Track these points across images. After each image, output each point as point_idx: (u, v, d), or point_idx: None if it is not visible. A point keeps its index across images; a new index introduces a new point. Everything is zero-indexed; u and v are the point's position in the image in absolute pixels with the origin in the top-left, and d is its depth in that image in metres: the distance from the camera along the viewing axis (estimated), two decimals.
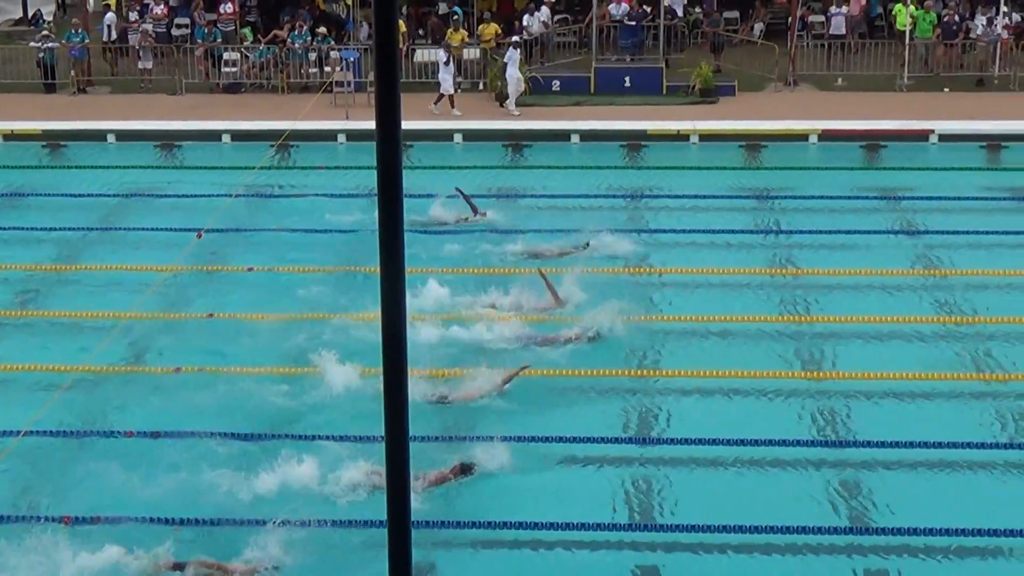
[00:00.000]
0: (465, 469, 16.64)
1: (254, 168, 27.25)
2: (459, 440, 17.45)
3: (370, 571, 13.03)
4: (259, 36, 37.95)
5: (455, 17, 37.49)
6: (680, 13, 39.10)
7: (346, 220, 25.99)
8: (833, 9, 38.62)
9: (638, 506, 16.20)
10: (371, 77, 31.88)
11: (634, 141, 31.99)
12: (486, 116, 33.72)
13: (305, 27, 37.16)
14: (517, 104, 34.19)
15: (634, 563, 15.10)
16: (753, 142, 31.90)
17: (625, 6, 38.51)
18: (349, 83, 34.58)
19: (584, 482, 16.78)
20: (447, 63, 34.10)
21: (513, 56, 34.31)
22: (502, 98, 34.43)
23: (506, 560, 15.24)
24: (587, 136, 32.25)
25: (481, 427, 17.90)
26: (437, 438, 17.48)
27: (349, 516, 15.57)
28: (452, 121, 32.76)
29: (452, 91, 34.06)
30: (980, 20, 37.96)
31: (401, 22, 33.72)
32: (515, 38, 35.68)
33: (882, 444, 17.33)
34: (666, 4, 37.86)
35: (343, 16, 38.97)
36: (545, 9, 38.44)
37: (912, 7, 37.03)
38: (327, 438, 17.43)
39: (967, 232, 25.31)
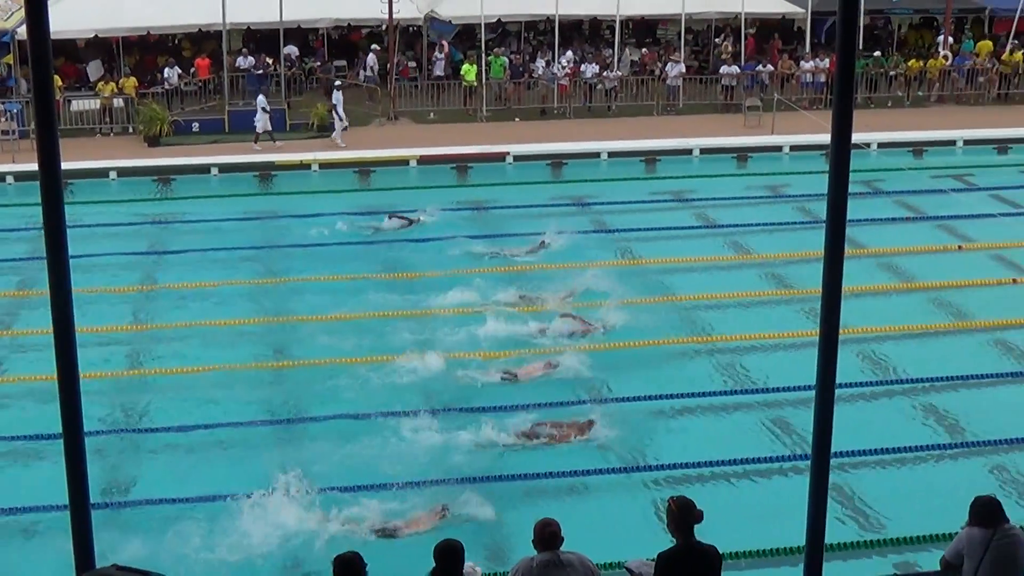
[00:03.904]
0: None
1: None
2: None
3: None
4: None
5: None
6: (296, 62, 39.05)
7: (19, 249, 25.04)
8: (425, 57, 39.28)
9: None
10: (32, 125, 30.70)
11: (264, 171, 31.61)
12: (137, 155, 32.74)
13: None
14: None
15: None
16: (364, 168, 31.94)
17: (251, 59, 38.29)
18: (14, 132, 33.02)
19: None
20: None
21: (338, 97, 33.96)
22: (150, 139, 33.70)
23: None
24: (225, 168, 31.63)
25: None
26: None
27: None
28: (107, 160, 31.66)
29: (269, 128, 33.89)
30: (540, 63, 39.11)
31: (57, 77, 32.54)
32: (337, 82, 35.24)
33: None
34: (285, 54, 37.75)
35: (5, 74, 37.34)
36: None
37: (490, 57, 37.99)
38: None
39: (539, 233, 25.79)
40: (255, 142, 33.48)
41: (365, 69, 39.30)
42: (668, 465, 15.83)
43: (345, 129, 34.15)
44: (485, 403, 17.66)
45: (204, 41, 39.91)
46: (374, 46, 39.78)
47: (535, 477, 15.56)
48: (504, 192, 29.85)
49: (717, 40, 42.25)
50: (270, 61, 38.25)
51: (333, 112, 34.17)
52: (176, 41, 41.19)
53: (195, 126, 34.97)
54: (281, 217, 27.95)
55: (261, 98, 34.41)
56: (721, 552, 9.22)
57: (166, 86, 37.02)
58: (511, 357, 19.32)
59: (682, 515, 9.07)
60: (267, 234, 26.74)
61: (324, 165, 32.06)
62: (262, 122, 33.74)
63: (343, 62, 40.94)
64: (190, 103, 37.35)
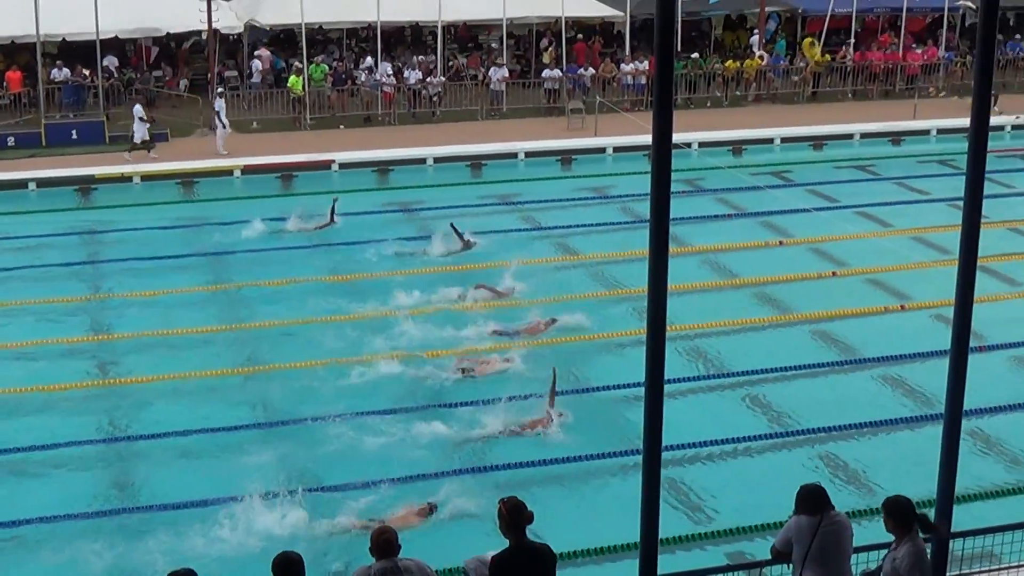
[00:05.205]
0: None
1: None
2: None
3: None
4: None
5: None
6: (115, 73, 38.24)
7: None
8: (245, 65, 38.81)
9: None
10: None
11: (85, 185, 30.75)
12: None
13: None
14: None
15: None
16: (187, 179, 31.39)
17: (66, 71, 37.38)
18: None
19: None
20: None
21: (220, 104, 33.41)
22: None
23: None
24: (43, 183, 30.72)
25: None
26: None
27: None
28: None
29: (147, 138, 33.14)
30: (363, 70, 38.96)
31: None
32: (220, 89, 34.76)
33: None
34: (104, 66, 36.97)
35: None
36: None
37: (311, 65, 37.72)
38: None
39: (367, 242, 25.54)
40: (128, 152, 32.83)
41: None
42: (500, 466, 15.87)
43: (221, 132, 33.46)
44: (314, 412, 17.50)
45: (16, 53, 38.81)
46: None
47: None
48: (328, 200, 29.48)
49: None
50: (87, 73, 37.39)
51: (216, 119, 33.47)
52: None
53: (11, 140, 34.02)
54: (103, 231, 27.28)
55: (138, 107, 33.47)
56: (555, 551, 9.27)
57: None
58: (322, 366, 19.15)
59: (512, 516, 9.10)
60: (89, 249, 26.09)
61: (146, 177, 31.39)
62: (140, 132, 32.99)
63: (161, 72, 40.24)
64: (4, 117, 36.30)
